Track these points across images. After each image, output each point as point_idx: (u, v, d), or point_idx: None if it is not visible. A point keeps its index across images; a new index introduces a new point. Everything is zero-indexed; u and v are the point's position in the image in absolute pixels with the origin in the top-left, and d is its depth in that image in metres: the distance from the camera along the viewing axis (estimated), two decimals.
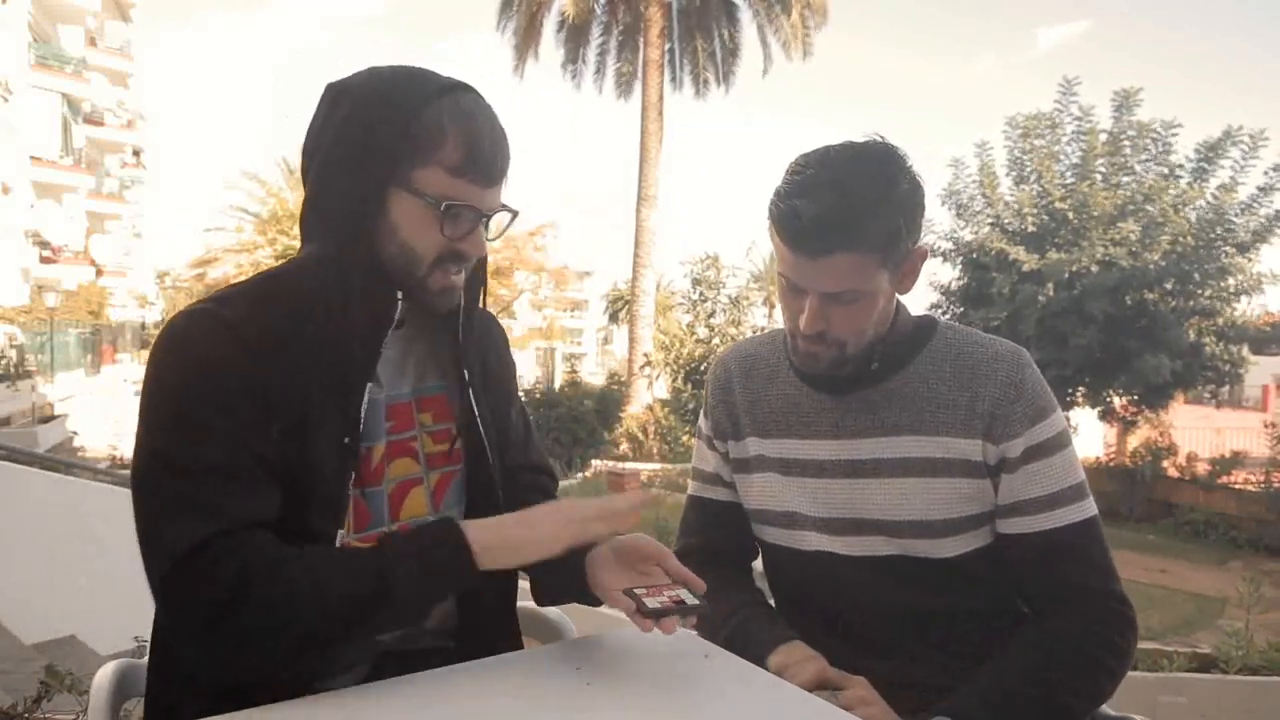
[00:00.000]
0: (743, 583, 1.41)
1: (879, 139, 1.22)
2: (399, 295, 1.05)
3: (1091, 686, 1.17)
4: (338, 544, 1.03)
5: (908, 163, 1.19)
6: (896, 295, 1.27)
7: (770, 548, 1.38)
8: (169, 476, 0.94)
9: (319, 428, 1.01)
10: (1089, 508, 1.22)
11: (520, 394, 1.39)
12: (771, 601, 1.42)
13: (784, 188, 1.18)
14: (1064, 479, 1.21)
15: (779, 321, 1.30)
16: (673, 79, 22.03)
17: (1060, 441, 1.22)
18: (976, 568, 1.25)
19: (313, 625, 0.92)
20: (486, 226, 1.09)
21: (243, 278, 1.16)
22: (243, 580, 0.90)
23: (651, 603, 0.99)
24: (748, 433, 1.37)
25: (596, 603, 1.11)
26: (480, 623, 1.18)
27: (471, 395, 1.17)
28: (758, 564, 1.45)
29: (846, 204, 1.12)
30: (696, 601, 1.02)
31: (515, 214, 1.11)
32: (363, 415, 1.03)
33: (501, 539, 0.99)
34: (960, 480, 1.22)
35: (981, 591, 1.27)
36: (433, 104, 1.00)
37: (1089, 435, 14.94)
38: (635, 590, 1.02)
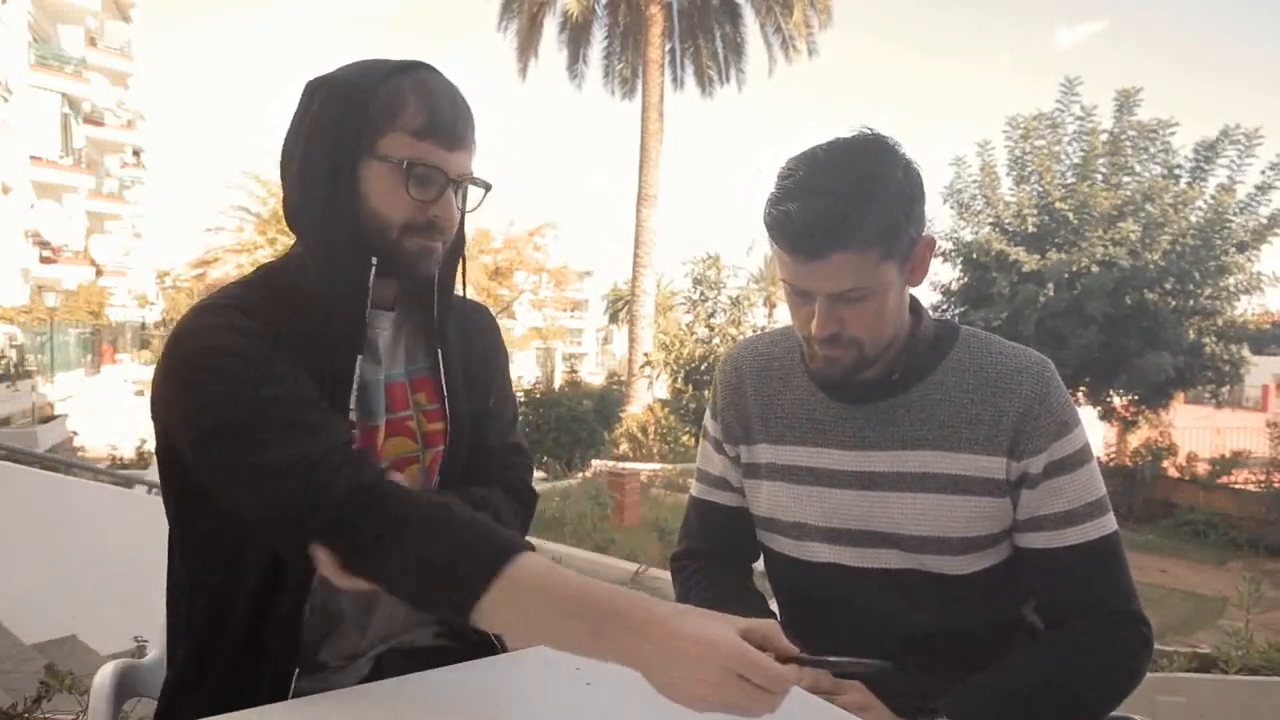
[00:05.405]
0: (745, 589, 1.39)
1: (868, 131, 1.18)
2: (373, 261, 1.06)
3: (1092, 701, 1.15)
4: None
5: (900, 152, 1.16)
6: (912, 294, 1.24)
7: (777, 556, 1.35)
8: (252, 418, 0.94)
9: None
10: (1109, 524, 1.19)
11: (519, 393, 1.38)
12: (774, 605, 1.41)
13: (775, 194, 1.15)
14: (1084, 495, 1.19)
15: (779, 322, 1.29)
16: (674, 79, 22.02)
17: (1082, 456, 1.20)
18: (987, 583, 1.23)
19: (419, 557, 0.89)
20: (458, 195, 1.09)
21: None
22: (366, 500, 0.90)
23: (839, 662, 0.85)
24: (759, 438, 1.33)
25: None
26: None
27: (444, 375, 1.18)
28: (758, 565, 1.44)
29: (835, 201, 1.09)
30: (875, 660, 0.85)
31: (488, 187, 1.12)
32: (353, 394, 1.05)
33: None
34: (981, 499, 1.20)
35: (990, 606, 1.25)
36: (393, 78, 1.05)
37: (1089, 435, 14.90)
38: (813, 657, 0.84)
